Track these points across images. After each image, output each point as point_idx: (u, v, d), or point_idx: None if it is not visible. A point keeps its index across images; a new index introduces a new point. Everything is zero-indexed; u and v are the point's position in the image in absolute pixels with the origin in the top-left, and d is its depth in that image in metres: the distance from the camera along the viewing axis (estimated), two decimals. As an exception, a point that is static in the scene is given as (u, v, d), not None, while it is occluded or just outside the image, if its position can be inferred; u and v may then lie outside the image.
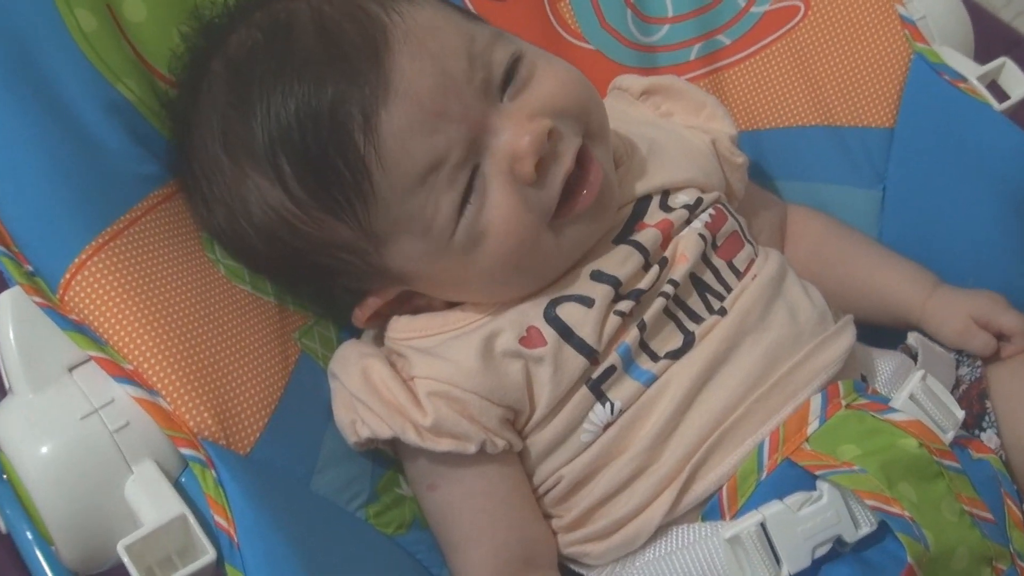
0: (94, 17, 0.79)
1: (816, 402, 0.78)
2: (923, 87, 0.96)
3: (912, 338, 0.90)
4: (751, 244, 0.86)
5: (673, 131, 0.91)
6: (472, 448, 0.77)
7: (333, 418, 0.80)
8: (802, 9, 1.00)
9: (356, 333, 0.86)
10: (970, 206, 0.94)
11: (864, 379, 0.84)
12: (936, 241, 0.97)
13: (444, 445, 0.76)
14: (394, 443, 0.80)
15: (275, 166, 0.74)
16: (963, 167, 0.95)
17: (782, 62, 1.01)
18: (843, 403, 0.79)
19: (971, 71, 0.95)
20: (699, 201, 0.85)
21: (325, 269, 0.79)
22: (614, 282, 0.79)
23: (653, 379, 0.79)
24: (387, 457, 0.82)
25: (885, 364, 0.88)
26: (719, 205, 0.86)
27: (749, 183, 0.94)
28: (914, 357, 0.88)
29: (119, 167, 0.77)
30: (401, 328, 0.81)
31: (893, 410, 0.78)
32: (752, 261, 0.85)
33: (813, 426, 0.77)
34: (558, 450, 0.80)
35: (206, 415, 0.71)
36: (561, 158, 0.76)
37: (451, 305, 0.82)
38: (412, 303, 0.82)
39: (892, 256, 0.97)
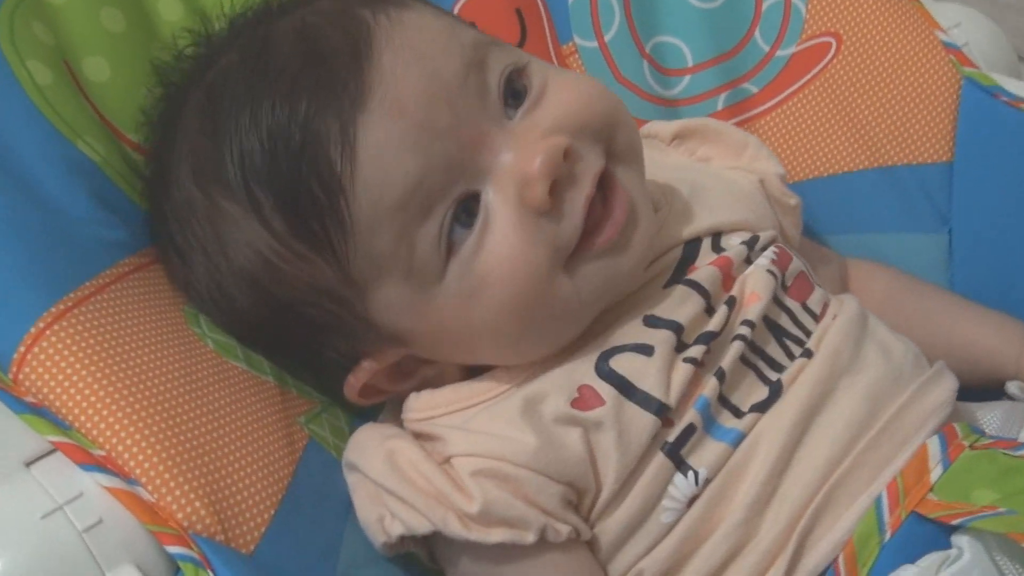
0: (49, 71, 0.70)
1: (934, 445, 0.66)
2: (979, 113, 0.88)
3: (1013, 386, 0.79)
4: (821, 288, 0.75)
5: (715, 173, 0.81)
6: (531, 537, 0.63)
7: (353, 515, 0.67)
8: (834, 45, 0.92)
9: (371, 420, 0.72)
10: (1054, 238, 0.84)
11: (974, 428, 0.72)
12: (1019, 283, 0.86)
13: (496, 535, 0.62)
14: (431, 543, 0.67)
15: (249, 193, 0.63)
16: (1038, 195, 0.85)
17: (819, 104, 0.93)
18: (965, 444, 0.66)
19: (1029, 92, 0.87)
20: (756, 239, 0.74)
21: (312, 325, 0.67)
22: (674, 327, 0.67)
23: (741, 437, 0.66)
24: (423, 565, 0.68)
25: (991, 414, 0.76)
26: (780, 245, 0.75)
27: (801, 236, 0.84)
28: (1027, 399, 0.76)
29: (81, 230, 0.67)
30: (422, 406, 0.69)
31: (1027, 447, 0.65)
32: (827, 304, 0.74)
33: (936, 472, 0.65)
34: (635, 537, 0.66)
35: (198, 505, 0.58)
36: (580, 182, 0.64)
37: (474, 373, 0.69)
38: (420, 374, 0.70)
39: (973, 307, 0.86)
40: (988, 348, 0.82)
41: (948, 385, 0.70)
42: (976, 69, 0.89)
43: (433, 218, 0.62)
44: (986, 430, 0.74)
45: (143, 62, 0.76)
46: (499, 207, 0.63)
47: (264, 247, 0.64)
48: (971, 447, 0.66)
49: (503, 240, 0.63)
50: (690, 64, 0.95)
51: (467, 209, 0.63)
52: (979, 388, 0.80)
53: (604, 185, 0.66)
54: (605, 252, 0.66)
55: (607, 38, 0.93)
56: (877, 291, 0.86)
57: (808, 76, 0.93)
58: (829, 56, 0.93)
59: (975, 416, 0.75)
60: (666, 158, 0.83)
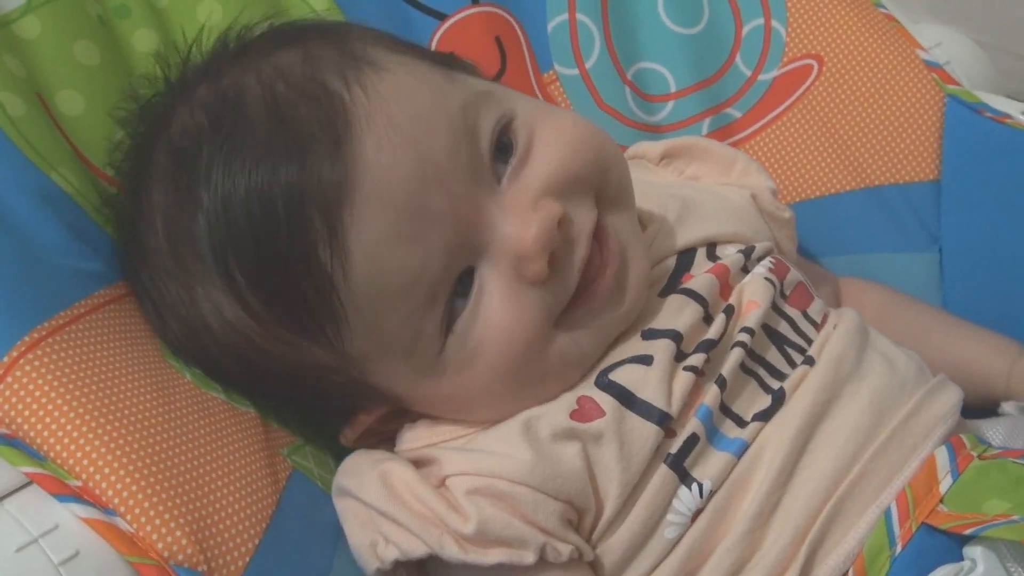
0: (22, 102, 0.69)
1: (943, 456, 0.64)
2: (964, 130, 0.88)
3: (1009, 407, 0.78)
4: (820, 299, 0.74)
5: (706, 189, 0.79)
6: (530, 557, 0.60)
7: (343, 544, 0.64)
8: (816, 67, 0.92)
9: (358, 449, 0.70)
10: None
11: (978, 442, 0.70)
12: (1011, 298, 0.85)
13: (494, 555, 0.60)
14: (426, 568, 0.64)
15: (227, 275, 0.61)
16: (1028, 208, 0.84)
17: (803, 127, 0.92)
18: (974, 454, 0.64)
19: (1013, 108, 0.87)
20: (752, 249, 0.73)
21: (304, 390, 0.65)
22: (673, 335, 0.66)
23: (745, 447, 0.64)
24: (415, 594, 0.65)
25: (993, 429, 0.75)
26: (777, 256, 0.74)
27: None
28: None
29: (55, 261, 0.65)
30: (419, 436, 0.67)
31: (1035, 454, 0.64)
32: (826, 315, 0.72)
33: (945, 483, 0.63)
34: (640, 555, 0.63)
35: (179, 535, 0.56)
36: (575, 244, 0.63)
37: None
38: (414, 415, 0.68)
39: (965, 325, 0.85)
40: (980, 365, 0.80)
41: (953, 394, 0.69)
42: (959, 87, 0.89)
43: (438, 303, 0.61)
44: (993, 443, 0.72)
45: (118, 96, 0.73)
46: (494, 280, 0.62)
47: (248, 329, 0.62)
48: (979, 457, 0.65)
49: (498, 312, 0.62)
50: (673, 90, 0.94)
51: (461, 281, 0.62)
52: (970, 406, 0.79)
53: (596, 236, 0.65)
54: (601, 306, 0.65)
55: (588, 65, 0.93)
56: (869, 308, 0.84)
57: (791, 99, 0.93)
58: (811, 78, 0.92)
59: (980, 430, 0.74)
60: (655, 178, 0.82)
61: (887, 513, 0.62)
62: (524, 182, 0.63)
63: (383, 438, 0.69)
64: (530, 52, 0.92)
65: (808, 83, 0.92)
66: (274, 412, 0.69)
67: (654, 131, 0.93)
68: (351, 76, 0.61)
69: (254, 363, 0.64)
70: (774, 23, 0.94)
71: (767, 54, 0.94)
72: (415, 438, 0.66)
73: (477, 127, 0.63)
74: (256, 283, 0.60)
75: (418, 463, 0.65)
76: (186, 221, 0.62)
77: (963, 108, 0.88)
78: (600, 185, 0.66)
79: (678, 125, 0.94)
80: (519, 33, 0.92)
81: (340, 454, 0.70)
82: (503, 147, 0.64)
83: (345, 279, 0.59)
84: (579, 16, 0.93)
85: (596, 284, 0.64)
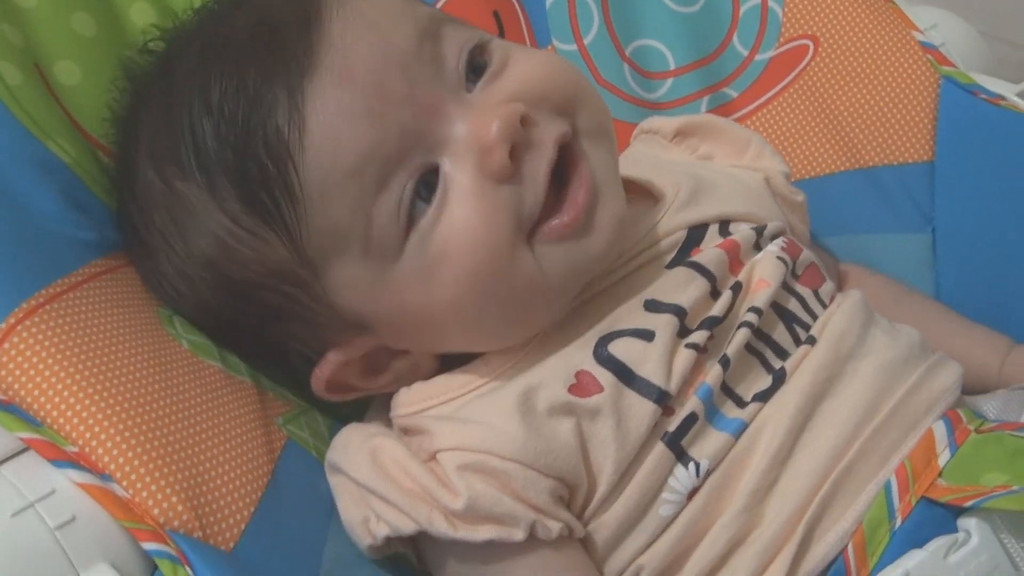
0: (19, 72, 0.68)
1: (940, 430, 0.64)
2: (959, 111, 0.87)
3: (999, 391, 0.77)
4: (831, 281, 0.73)
5: (719, 170, 0.79)
6: (519, 534, 0.60)
7: (336, 517, 0.64)
8: (811, 47, 0.92)
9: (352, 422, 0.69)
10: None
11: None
12: (1003, 279, 0.85)
13: (484, 532, 0.60)
14: (418, 544, 0.64)
15: (203, 172, 0.62)
16: (1021, 190, 0.84)
17: (799, 107, 0.92)
18: (971, 428, 0.65)
19: (1007, 90, 0.87)
20: (764, 227, 0.72)
21: (272, 313, 0.65)
22: (676, 310, 0.65)
23: (743, 427, 0.64)
24: (411, 567, 0.65)
25: (988, 404, 0.75)
26: (790, 237, 0.74)
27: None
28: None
29: (52, 229, 0.65)
30: (412, 399, 0.66)
31: (1033, 427, 0.64)
32: (834, 296, 0.72)
33: (944, 457, 0.63)
34: (633, 532, 0.63)
35: (175, 500, 0.56)
36: (540, 147, 0.62)
37: (451, 367, 0.67)
38: (393, 368, 0.67)
39: (959, 318, 0.85)
40: (974, 358, 0.79)
41: (954, 369, 0.69)
42: (954, 68, 0.89)
43: (390, 190, 0.60)
44: (987, 416, 0.72)
45: (114, 67, 0.73)
46: (457, 176, 0.61)
47: (219, 228, 0.62)
48: (976, 431, 0.65)
49: (462, 210, 0.61)
50: (672, 67, 0.94)
51: (427, 184, 0.61)
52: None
53: (567, 159, 0.63)
54: (568, 235, 0.63)
55: (586, 41, 0.92)
56: (870, 298, 0.84)
57: (787, 79, 0.92)
58: (807, 59, 0.92)
59: (975, 404, 0.74)
60: (667, 154, 0.82)
61: (887, 486, 0.62)
62: (492, 90, 0.64)
63: (361, 397, 0.68)
64: (528, 27, 0.92)
65: (804, 63, 0.92)
66: (265, 372, 0.69)
67: (652, 107, 0.93)
68: None
69: (228, 279, 0.64)
70: (771, 3, 0.93)
71: (764, 34, 0.93)
72: (409, 402, 0.66)
73: (441, 33, 0.64)
74: (227, 172, 0.61)
75: (410, 432, 0.65)
76: (167, 132, 0.63)
77: (958, 89, 0.87)
78: (573, 113, 0.65)
79: (676, 103, 0.93)
80: (517, 8, 0.92)
81: (335, 425, 0.70)
82: (477, 68, 0.64)
83: (301, 149, 0.59)
84: (577, -8, 0.93)
85: (566, 203, 0.63)
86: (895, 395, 0.65)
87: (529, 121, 0.62)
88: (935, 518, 0.60)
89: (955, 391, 0.67)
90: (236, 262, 0.63)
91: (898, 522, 0.61)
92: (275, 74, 0.60)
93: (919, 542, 0.59)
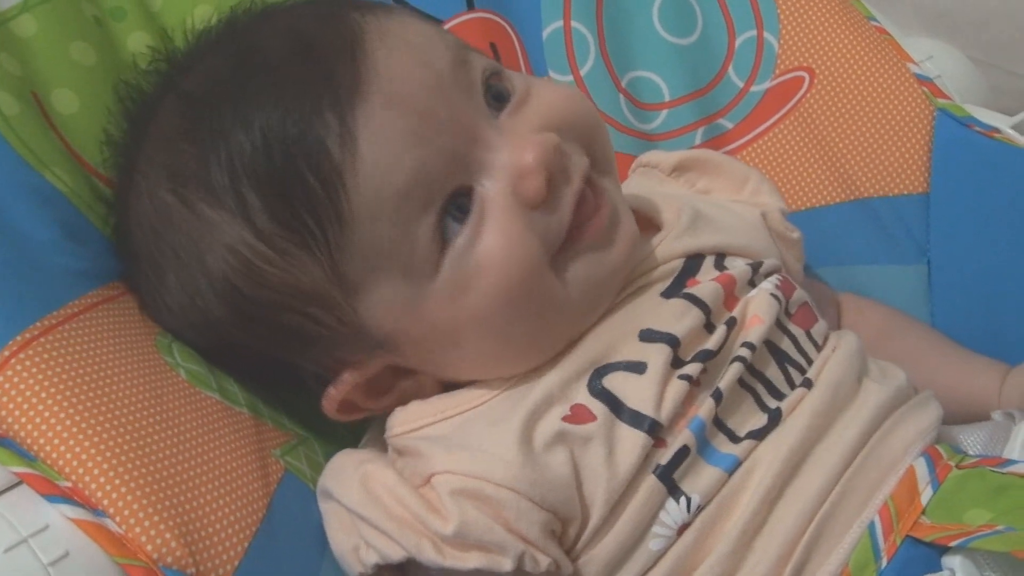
0: (16, 102, 0.69)
1: (921, 467, 0.64)
2: (954, 143, 0.88)
3: (996, 414, 0.77)
4: (823, 321, 0.74)
5: (717, 203, 0.80)
6: (508, 564, 0.60)
7: (330, 548, 0.64)
8: (807, 79, 0.92)
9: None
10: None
11: (956, 452, 0.71)
12: (998, 311, 0.85)
13: (472, 560, 0.60)
14: (408, 572, 0.64)
15: (236, 194, 0.61)
16: (1015, 223, 0.84)
17: (794, 138, 0.92)
18: (951, 464, 0.65)
19: (1002, 122, 0.87)
20: (760, 264, 0.73)
21: (292, 335, 0.65)
22: (670, 340, 0.66)
23: (736, 464, 0.64)
24: (400, 600, 0.65)
25: (973, 436, 0.75)
26: (784, 275, 0.74)
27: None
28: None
29: (49, 260, 0.65)
30: (408, 418, 0.66)
31: (1013, 461, 0.64)
32: (828, 336, 0.72)
33: (926, 494, 0.63)
34: (623, 567, 0.63)
35: (168, 537, 0.56)
36: (570, 178, 0.65)
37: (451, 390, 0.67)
38: (398, 389, 0.67)
39: (959, 349, 0.85)
40: (972, 390, 0.80)
41: (934, 411, 0.69)
42: (949, 100, 0.89)
43: (432, 210, 0.62)
44: (970, 451, 0.72)
45: (112, 96, 0.74)
46: (495, 199, 0.63)
47: (245, 248, 0.62)
48: (957, 467, 0.65)
49: (500, 230, 0.63)
50: (667, 99, 0.94)
51: (459, 206, 0.63)
52: (962, 421, 0.79)
53: (588, 185, 0.66)
54: (591, 247, 0.66)
55: (583, 72, 0.93)
56: (868, 327, 0.84)
57: (782, 111, 0.93)
58: (803, 90, 0.92)
59: (958, 440, 0.74)
60: (665, 188, 0.82)
61: (871, 527, 0.62)
62: (522, 118, 0.66)
63: (369, 416, 0.69)
64: (525, 58, 0.93)
65: (800, 95, 0.92)
66: (262, 397, 0.69)
67: (648, 139, 0.94)
68: (364, 9, 0.66)
69: (246, 299, 0.64)
70: (767, 35, 0.94)
71: (759, 65, 0.94)
72: (404, 420, 0.66)
73: (469, 61, 0.66)
74: (266, 195, 0.61)
75: (404, 453, 0.65)
76: (195, 154, 0.63)
77: (953, 122, 0.88)
78: (590, 144, 0.68)
79: (671, 134, 0.94)
80: (514, 39, 0.93)
81: (331, 454, 0.70)
82: (499, 95, 0.67)
83: (353, 173, 0.60)
84: (574, 23, 0.94)
85: (590, 224, 0.65)
86: (874, 437, 0.65)
87: (562, 151, 0.64)
88: (920, 557, 0.60)
89: (933, 431, 0.67)
90: (260, 283, 0.63)
91: (884, 562, 0.61)
92: (322, 97, 0.60)
93: (905, 582, 0.59)
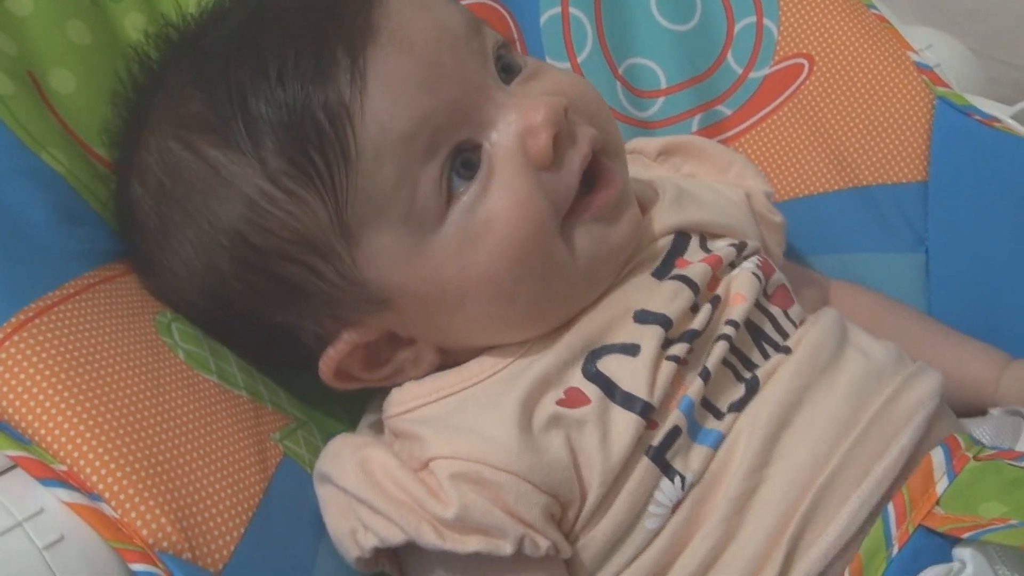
0: (12, 82, 0.68)
1: (939, 456, 0.64)
2: (953, 132, 0.87)
3: (996, 412, 0.77)
4: (799, 305, 0.74)
5: (702, 184, 0.80)
6: (508, 547, 0.60)
7: (326, 536, 0.64)
8: (806, 66, 0.92)
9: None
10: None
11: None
12: (996, 300, 0.85)
13: (472, 544, 0.60)
14: (403, 562, 0.64)
15: (248, 132, 0.62)
16: (1014, 212, 0.84)
17: (793, 125, 0.92)
18: (969, 455, 0.65)
19: (1002, 112, 0.87)
20: (744, 245, 0.73)
21: (293, 289, 0.64)
22: (663, 321, 0.66)
23: (721, 439, 0.64)
24: (396, 586, 0.65)
25: (982, 429, 0.74)
26: (764, 256, 0.74)
27: (784, 259, 0.83)
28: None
29: (45, 241, 0.64)
30: (404, 398, 0.66)
31: (1030, 455, 0.64)
32: (805, 318, 0.73)
33: (942, 484, 0.63)
34: (620, 547, 0.63)
35: (164, 521, 0.55)
36: (577, 141, 0.65)
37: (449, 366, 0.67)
38: (396, 360, 0.67)
39: (954, 333, 0.85)
40: (970, 373, 0.80)
41: (933, 379, 0.69)
42: (949, 89, 0.89)
43: (436, 160, 0.62)
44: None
45: (109, 76, 0.73)
46: (503, 156, 0.64)
47: (254, 191, 0.62)
48: (975, 458, 0.65)
49: (510, 186, 0.63)
50: (664, 86, 0.94)
51: (466, 162, 0.63)
52: (958, 412, 0.79)
53: (594, 166, 0.66)
54: (597, 219, 0.66)
55: (580, 59, 0.92)
56: (860, 312, 0.83)
57: (781, 98, 0.92)
58: (802, 77, 0.92)
59: (970, 430, 0.73)
60: (650, 172, 0.82)
61: (884, 513, 0.62)
62: (532, 86, 0.67)
63: (366, 387, 0.68)
64: (522, 45, 0.92)
65: (799, 82, 0.92)
66: (257, 366, 0.69)
67: (644, 127, 0.93)
68: None
69: (253, 250, 0.64)
70: (766, 21, 0.93)
71: (758, 52, 0.94)
72: (400, 400, 0.66)
73: (482, 30, 0.68)
74: (274, 122, 0.61)
75: (401, 436, 0.64)
76: (206, 99, 0.64)
77: (952, 110, 0.87)
78: (599, 128, 0.68)
79: (668, 121, 0.93)
80: (511, 25, 0.92)
81: (330, 438, 0.69)
82: (509, 68, 0.68)
83: (361, 111, 0.61)
84: (572, 10, 0.93)
85: (599, 195, 0.66)
86: (872, 408, 0.65)
87: (569, 116, 0.65)
88: (931, 547, 0.60)
89: (934, 399, 0.67)
90: (265, 228, 0.63)
91: (895, 550, 0.61)
92: (336, 40, 0.61)
93: (915, 570, 0.60)
